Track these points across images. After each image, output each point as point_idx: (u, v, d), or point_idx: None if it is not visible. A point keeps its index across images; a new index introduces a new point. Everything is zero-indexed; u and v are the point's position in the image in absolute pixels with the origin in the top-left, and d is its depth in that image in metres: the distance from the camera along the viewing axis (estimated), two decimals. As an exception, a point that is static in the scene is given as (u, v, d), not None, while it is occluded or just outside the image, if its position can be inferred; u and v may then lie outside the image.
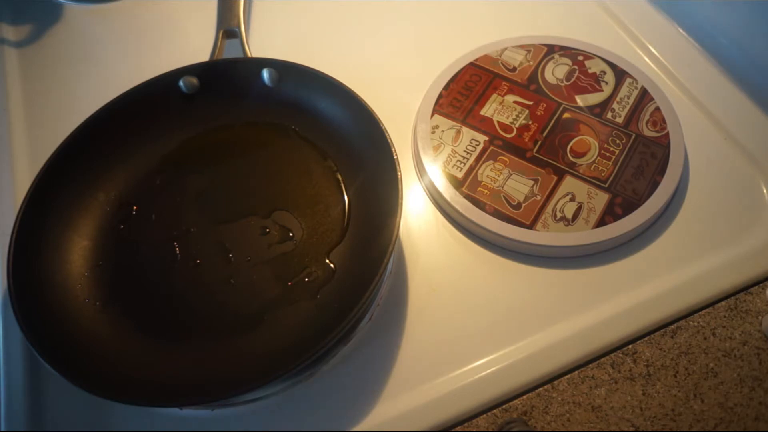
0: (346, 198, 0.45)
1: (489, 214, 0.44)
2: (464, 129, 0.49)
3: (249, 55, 0.53)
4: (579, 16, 0.59)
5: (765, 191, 0.47)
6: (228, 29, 0.55)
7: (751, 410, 0.37)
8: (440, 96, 0.51)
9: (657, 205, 0.44)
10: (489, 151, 0.48)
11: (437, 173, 0.46)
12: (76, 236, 0.43)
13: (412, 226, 0.46)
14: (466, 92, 0.51)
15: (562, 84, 0.52)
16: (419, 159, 0.48)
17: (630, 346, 0.40)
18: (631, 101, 0.50)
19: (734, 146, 0.49)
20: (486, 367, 0.39)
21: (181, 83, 0.48)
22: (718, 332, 0.40)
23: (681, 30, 0.57)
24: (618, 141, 0.48)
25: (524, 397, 0.38)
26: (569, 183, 0.45)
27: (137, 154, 0.47)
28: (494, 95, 0.51)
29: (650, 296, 0.42)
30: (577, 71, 0.52)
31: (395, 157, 0.41)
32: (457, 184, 0.46)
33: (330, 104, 0.47)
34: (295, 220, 0.44)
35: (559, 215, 0.44)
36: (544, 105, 0.50)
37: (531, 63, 0.53)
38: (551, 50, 0.54)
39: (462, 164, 0.47)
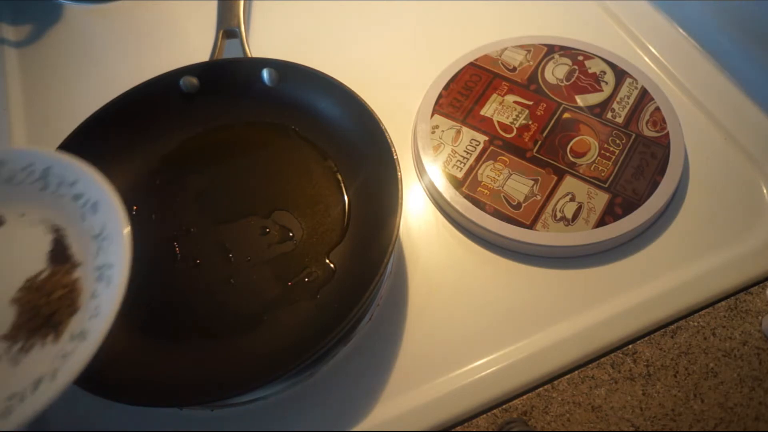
0: (346, 198, 0.45)
1: (489, 214, 0.44)
2: (464, 129, 0.49)
3: (249, 55, 0.53)
4: (579, 16, 0.59)
5: (765, 191, 0.47)
6: (228, 29, 0.55)
7: (751, 410, 0.37)
8: (440, 96, 0.51)
9: (657, 205, 0.44)
10: (489, 151, 0.48)
11: (437, 173, 0.46)
12: (76, 236, 0.43)
13: (412, 226, 0.46)
14: (466, 92, 0.51)
15: (562, 84, 0.52)
16: (419, 159, 0.48)
17: (630, 346, 0.40)
18: (631, 101, 0.50)
19: (734, 146, 0.49)
20: (486, 367, 0.39)
21: (181, 83, 0.48)
22: (718, 332, 0.40)
23: (681, 30, 0.57)
24: (618, 141, 0.48)
25: (524, 397, 0.38)
26: (569, 183, 0.45)
27: (137, 154, 0.47)
28: (494, 95, 0.51)
29: (650, 296, 0.42)
30: (577, 71, 0.52)
31: (395, 157, 0.41)
32: (457, 184, 0.46)
33: (330, 104, 0.47)
34: (295, 220, 0.44)
35: (559, 215, 0.44)
36: (544, 105, 0.50)
37: (531, 63, 0.53)
38: (551, 50, 0.54)
39: (462, 164, 0.47)
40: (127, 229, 0.30)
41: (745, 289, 0.42)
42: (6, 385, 0.28)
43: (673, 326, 0.41)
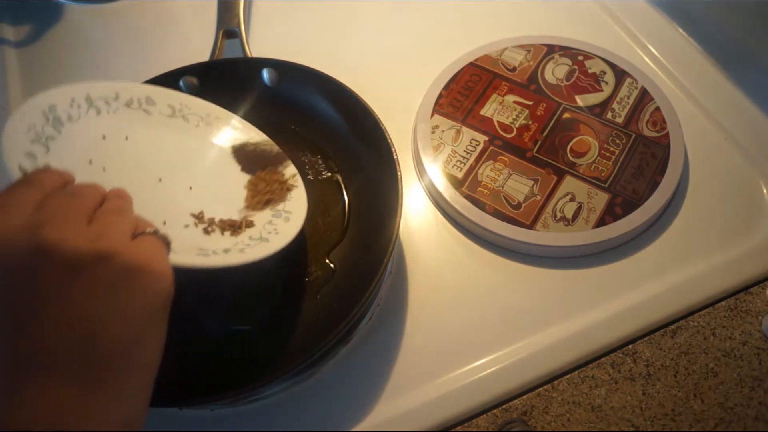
0: (346, 198, 0.45)
1: (489, 214, 0.44)
2: (464, 129, 0.49)
3: (249, 55, 0.53)
4: (579, 16, 0.59)
5: (765, 191, 0.46)
6: (228, 29, 0.55)
7: (751, 410, 0.37)
8: (440, 96, 0.51)
9: (657, 205, 0.44)
10: (489, 151, 0.48)
11: (437, 173, 0.46)
12: (77, 236, 0.43)
13: (412, 226, 0.46)
14: (466, 92, 0.51)
15: (562, 84, 0.52)
16: (419, 159, 0.48)
17: (630, 346, 0.40)
18: (631, 101, 0.50)
19: (734, 146, 0.49)
20: (486, 367, 0.39)
21: (181, 83, 0.48)
22: (718, 332, 0.40)
23: (681, 30, 0.57)
24: (618, 141, 0.48)
25: (524, 397, 0.38)
26: (569, 183, 0.45)
27: (137, 154, 0.47)
28: (494, 95, 0.51)
29: (650, 296, 0.42)
30: (577, 71, 0.52)
31: (395, 157, 0.41)
32: (457, 184, 0.46)
33: (330, 104, 0.47)
34: (295, 220, 0.44)
35: (559, 215, 0.44)
36: (544, 105, 0.50)
37: (531, 63, 0.53)
38: (551, 50, 0.54)
39: (462, 164, 0.47)
40: (300, 182, 0.42)
41: (745, 289, 0.42)
42: (197, 242, 0.34)
43: (673, 326, 0.41)
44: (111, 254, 0.24)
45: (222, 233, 0.36)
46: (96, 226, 0.26)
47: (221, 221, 0.37)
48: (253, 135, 0.44)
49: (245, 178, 0.42)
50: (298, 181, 0.42)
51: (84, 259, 0.24)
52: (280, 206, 0.40)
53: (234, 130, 0.44)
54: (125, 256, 0.25)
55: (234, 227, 0.37)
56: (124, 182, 0.32)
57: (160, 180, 0.37)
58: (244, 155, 0.43)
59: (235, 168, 0.42)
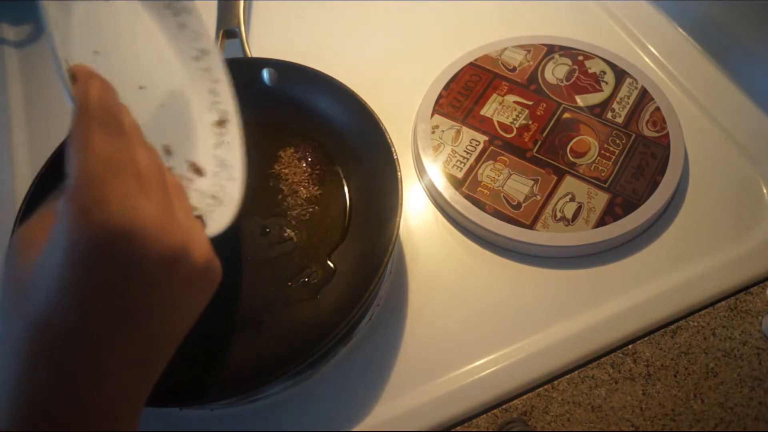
0: (346, 198, 0.45)
1: (489, 214, 0.44)
2: (464, 129, 0.49)
3: (249, 55, 0.53)
4: (579, 16, 0.59)
5: (765, 191, 0.46)
6: (228, 29, 0.55)
7: (751, 410, 0.37)
8: (440, 96, 0.51)
9: (657, 205, 0.44)
10: (489, 151, 0.48)
11: (437, 173, 0.46)
12: (76, 236, 0.43)
13: (412, 226, 0.46)
14: (466, 92, 0.51)
15: (562, 84, 0.52)
16: (419, 159, 0.48)
17: (630, 346, 0.40)
18: (631, 101, 0.50)
19: (734, 146, 0.49)
20: (486, 367, 0.39)
21: (181, 83, 0.48)
22: (718, 332, 0.40)
23: (681, 30, 0.57)
24: (618, 141, 0.48)
25: (524, 397, 0.38)
26: (569, 183, 0.45)
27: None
28: (494, 95, 0.51)
29: (650, 296, 0.42)
30: (577, 71, 0.52)
31: (395, 157, 0.41)
32: (457, 184, 0.46)
33: (330, 104, 0.47)
34: (295, 220, 0.44)
35: (559, 215, 0.44)
36: (544, 105, 0.50)
37: (531, 63, 0.53)
38: (551, 50, 0.54)
39: (462, 164, 0.47)
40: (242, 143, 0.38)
41: (745, 289, 0.42)
42: None
43: (673, 326, 0.41)
44: (210, 266, 0.26)
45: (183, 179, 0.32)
46: (193, 225, 0.27)
47: (187, 162, 0.32)
48: (215, 54, 0.39)
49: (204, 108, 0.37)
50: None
51: (197, 273, 0.25)
52: (221, 152, 0.36)
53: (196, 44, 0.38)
54: (215, 268, 0.27)
55: (193, 170, 0.33)
56: (112, 81, 0.28)
57: (140, 88, 0.32)
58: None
59: (195, 94, 0.37)
